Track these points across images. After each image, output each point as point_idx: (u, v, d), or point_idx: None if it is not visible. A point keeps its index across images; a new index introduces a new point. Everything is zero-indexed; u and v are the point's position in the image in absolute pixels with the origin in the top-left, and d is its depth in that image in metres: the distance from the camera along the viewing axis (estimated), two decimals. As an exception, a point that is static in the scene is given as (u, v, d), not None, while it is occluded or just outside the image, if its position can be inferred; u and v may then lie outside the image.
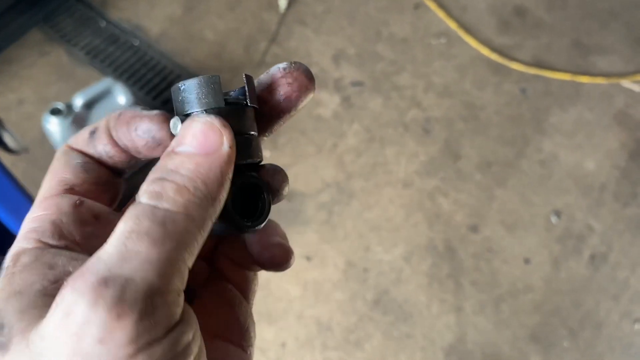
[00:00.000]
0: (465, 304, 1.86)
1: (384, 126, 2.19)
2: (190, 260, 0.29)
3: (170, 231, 0.28)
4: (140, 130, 0.37)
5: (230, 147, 0.33)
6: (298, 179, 2.05)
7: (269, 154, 2.11)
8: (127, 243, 0.27)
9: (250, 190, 0.38)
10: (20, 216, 1.13)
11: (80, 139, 0.38)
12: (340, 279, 1.89)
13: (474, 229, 1.98)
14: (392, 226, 1.99)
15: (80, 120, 1.71)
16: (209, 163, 0.31)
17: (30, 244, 0.32)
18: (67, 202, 0.34)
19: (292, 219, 1.98)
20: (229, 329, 0.38)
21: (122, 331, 0.25)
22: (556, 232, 1.99)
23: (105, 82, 1.75)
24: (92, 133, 0.37)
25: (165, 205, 0.29)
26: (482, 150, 2.14)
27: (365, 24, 2.44)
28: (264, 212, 0.38)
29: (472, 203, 2.03)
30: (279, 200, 0.40)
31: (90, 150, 0.37)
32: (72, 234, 0.33)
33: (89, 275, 0.26)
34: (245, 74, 0.38)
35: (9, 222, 1.15)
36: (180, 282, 0.28)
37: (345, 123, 2.19)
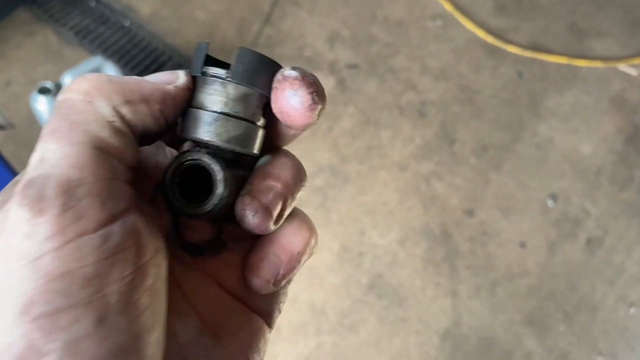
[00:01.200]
0: (461, 287, 1.84)
1: (379, 109, 2.16)
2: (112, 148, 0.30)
3: (74, 121, 0.29)
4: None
5: (177, 86, 0.34)
6: (292, 162, 2.02)
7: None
8: (44, 145, 0.29)
9: (205, 175, 0.35)
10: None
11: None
12: (335, 262, 1.87)
13: (469, 212, 1.97)
14: (387, 210, 1.96)
15: (69, 100, 1.67)
16: (150, 85, 0.33)
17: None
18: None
19: (286, 202, 1.96)
20: (251, 293, 0.38)
21: (45, 225, 0.26)
22: (552, 216, 1.97)
23: (95, 60, 1.70)
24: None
25: (70, 94, 0.31)
26: (477, 134, 2.11)
27: (360, 5, 2.41)
28: (206, 199, 0.34)
29: (468, 187, 2.01)
30: (248, 223, 0.36)
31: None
32: None
33: (21, 181, 0.28)
34: (239, 47, 0.34)
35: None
36: (110, 172, 0.29)
37: (340, 106, 2.16)
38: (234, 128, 0.34)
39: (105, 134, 0.30)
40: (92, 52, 2.20)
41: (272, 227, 0.36)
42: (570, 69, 2.28)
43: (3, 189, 0.31)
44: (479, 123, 2.14)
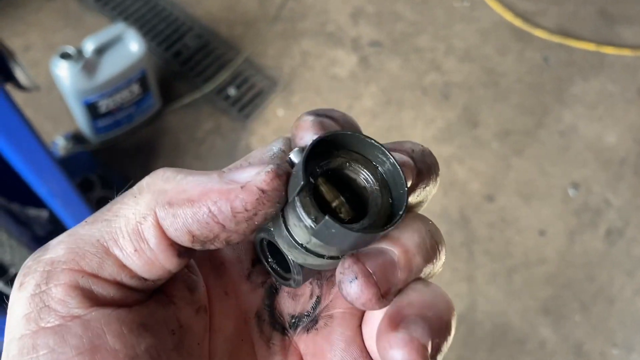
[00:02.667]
0: (477, 273, 1.83)
1: (402, 89, 2.12)
2: (117, 250, 0.28)
3: (104, 215, 0.29)
4: None
5: (258, 186, 0.27)
6: (311, 139, 1.99)
7: (282, 112, 2.05)
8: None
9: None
10: (32, 161, 1.08)
11: None
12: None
13: (489, 198, 1.94)
14: (406, 192, 1.94)
15: (90, 67, 1.65)
16: (208, 183, 0.28)
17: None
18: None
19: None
20: None
21: (17, 303, 0.28)
22: (573, 204, 1.95)
23: (118, 27, 1.67)
24: None
25: (133, 190, 0.30)
26: (501, 118, 2.08)
27: (386, -18, 2.36)
28: (287, 274, 0.33)
29: (488, 172, 1.98)
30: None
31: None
32: None
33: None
34: (327, 219, 0.28)
35: (22, 170, 1.10)
36: (94, 261, 0.28)
37: (362, 84, 2.13)
38: (314, 260, 0.31)
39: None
40: (113, 19, 2.17)
41: (377, 302, 0.29)
42: (598, 56, 2.23)
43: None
44: (502, 107, 2.10)
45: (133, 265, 0.28)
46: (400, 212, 0.29)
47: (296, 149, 0.30)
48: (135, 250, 0.28)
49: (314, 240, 0.29)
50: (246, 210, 0.27)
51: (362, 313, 0.33)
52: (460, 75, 2.15)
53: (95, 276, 0.28)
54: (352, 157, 0.31)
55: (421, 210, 0.33)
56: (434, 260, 0.31)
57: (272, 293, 0.35)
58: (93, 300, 0.28)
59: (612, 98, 2.15)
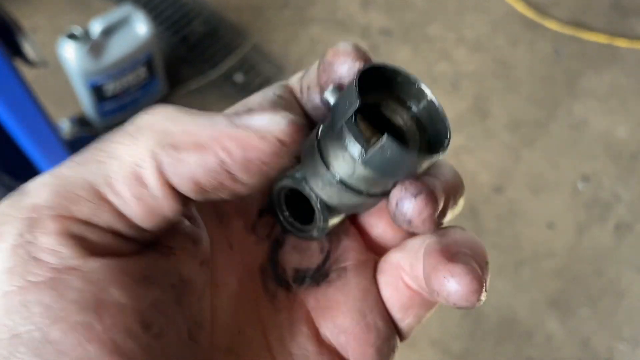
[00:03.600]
0: (485, 265, 1.81)
1: (411, 78, 2.10)
2: (113, 196, 0.25)
3: (96, 155, 0.26)
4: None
5: (278, 137, 0.25)
6: (318, 127, 1.97)
7: (290, 99, 2.03)
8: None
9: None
10: (38, 138, 1.06)
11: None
12: (358, 232, 1.84)
13: (498, 189, 1.92)
14: (414, 182, 1.92)
15: (97, 49, 1.63)
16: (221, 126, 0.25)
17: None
18: None
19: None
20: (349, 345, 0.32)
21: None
22: (582, 198, 1.92)
23: (125, 9, 1.65)
24: None
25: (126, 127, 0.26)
26: (511, 110, 2.05)
27: (396, -30, 2.33)
28: (311, 226, 0.32)
29: (498, 163, 1.96)
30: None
31: None
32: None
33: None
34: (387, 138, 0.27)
35: (29, 148, 1.08)
36: (87, 207, 0.24)
37: (371, 73, 2.10)
38: (350, 198, 0.30)
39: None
40: (120, 3, 2.15)
41: (434, 222, 0.29)
42: (610, 49, 2.20)
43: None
44: (513, 98, 2.08)
45: (131, 212, 0.25)
46: (447, 138, 0.28)
47: (331, 87, 0.29)
48: (134, 197, 0.25)
49: (359, 170, 0.28)
50: (262, 162, 0.24)
51: (375, 264, 0.33)
52: (471, 65, 2.13)
53: (88, 223, 0.24)
54: (389, 94, 0.30)
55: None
56: (458, 202, 0.32)
57: (277, 247, 0.34)
58: (89, 250, 0.24)
59: (624, 91, 2.12)
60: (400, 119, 0.30)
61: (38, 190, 0.25)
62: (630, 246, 1.86)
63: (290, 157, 0.25)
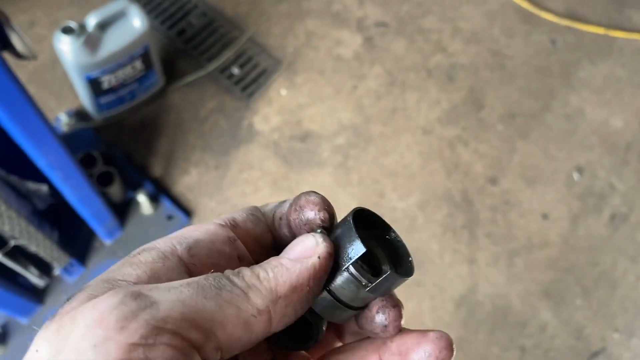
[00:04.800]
0: (479, 255, 1.82)
1: (406, 70, 2.11)
2: (221, 333, 0.29)
3: (217, 296, 0.29)
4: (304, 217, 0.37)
5: (319, 258, 0.32)
6: (314, 120, 1.98)
7: (286, 91, 2.04)
8: (182, 283, 0.29)
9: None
10: (30, 131, 1.08)
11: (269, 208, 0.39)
12: (353, 223, 1.85)
13: (492, 180, 1.93)
14: (409, 173, 1.93)
15: (93, 42, 1.64)
16: (295, 267, 0.32)
17: (166, 247, 0.33)
18: (225, 232, 0.35)
19: (307, 160, 1.93)
20: None
21: (114, 345, 0.26)
22: (577, 189, 1.93)
23: (121, 2, 1.66)
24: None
25: (235, 279, 0.31)
26: (506, 101, 2.06)
27: (393, -38, 2.33)
28: (310, 340, 0.37)
29: (493, 154, 1.97)
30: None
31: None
32: (204, 258, 0.34)
33: (133, 287, 0.28)
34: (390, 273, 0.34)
35: (23, 143, 1.10)
36: (200, 337, 0.28)
37: (366, 65, 2.11)
38: (341, 313, 0.35)
39: None
40: (117, -4, 2.16)
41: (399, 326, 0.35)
42: (606, 40, 2.20)
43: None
44: (508, 90, 2.08)
45: (228, 348, 0.30)
46: (410, 258, 0.36)
47: (320, 229, 0.35)
48: (239, 339, 0.30)
49: (361, 294, 0.34)
50: (308, 286, 0.32)
51: None
52: (466, 57, 2.13)
53: (197, 349, 0.28)
54: (368, 232, 0.37)
55: None
56: None
57: None
58: None
59: (620, 83, 2.12)
60: (377, 250, 0.37)
61: (171, 306, 0.28)
62: (624, 237, 1.87)
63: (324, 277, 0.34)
